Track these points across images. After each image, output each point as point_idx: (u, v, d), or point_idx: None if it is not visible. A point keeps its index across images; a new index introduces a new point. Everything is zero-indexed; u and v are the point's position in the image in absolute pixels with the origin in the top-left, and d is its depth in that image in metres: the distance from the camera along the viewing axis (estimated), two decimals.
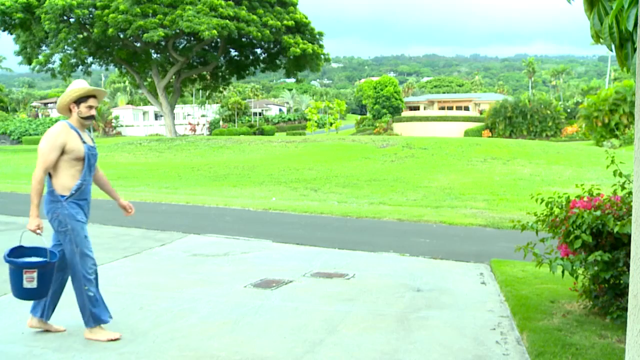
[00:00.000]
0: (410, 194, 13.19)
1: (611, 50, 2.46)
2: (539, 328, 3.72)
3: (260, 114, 70.92)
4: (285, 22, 34.47)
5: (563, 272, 3.69)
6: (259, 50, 39.07)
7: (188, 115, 68.87)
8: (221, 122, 63.80)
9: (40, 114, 70.44)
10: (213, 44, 37.39)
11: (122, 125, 64.47)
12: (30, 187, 3.53)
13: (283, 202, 11.56)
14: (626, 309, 2.75)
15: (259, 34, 33.21)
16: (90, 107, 3.69)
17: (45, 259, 3.47)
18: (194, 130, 60.20)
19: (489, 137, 43.95)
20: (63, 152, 3.57)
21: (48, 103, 76.59)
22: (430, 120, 54.22)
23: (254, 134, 50.95)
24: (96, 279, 3.68)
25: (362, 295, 4.74)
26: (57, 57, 34.46)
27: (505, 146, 23.00)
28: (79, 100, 3.66)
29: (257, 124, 61.64)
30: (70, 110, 3.68)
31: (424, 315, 4.21)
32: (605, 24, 2.33)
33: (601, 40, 2.57)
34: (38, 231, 3.52)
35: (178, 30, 33.04)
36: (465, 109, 62.75)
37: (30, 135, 56.60)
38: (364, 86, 76.90)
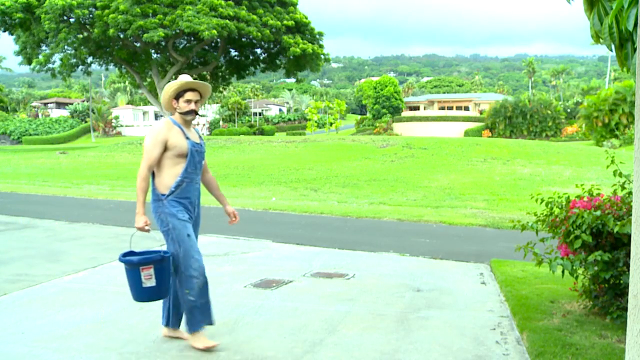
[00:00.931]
0: (410, 194, 13.19)
1: (611, 50, 2.46)
2: (539, 328, 3.72)
3: (260, 114, 70.93)
4: (285, 22, 34.47)
5: (563, 272, 3.69)
6: (259, 50, 39.08)
7: None
8: (221, 122, 63.80)
9: (40, 114, 70.41)
10: (213, 44, 37.41)
11: (122, 125, 64.47)
12: (136, 185, 3.45)
13: (283, 202, 11.56)
14: (626, 309, 2.75)
15: (259, 34, 33.22)
16: (189, 101, 3.50)
17: (159, 254, 3.34)
18: None
19: (489, 137, 43.96)
20: (166, 148, 3.44)
21: (48, 103, 76.60)
22: (430, 120, 54.22)
23: (254, 134, 50.98)
24: (203, 282, 3.42)
25: (362, 295, 4.74)
26: (57, 57, 34.48)
27: (505, 146, 23.01)
28: (177, 96, 3.52)
29: (257, 124, 61.67)
30: (174, 108, 3.55)
31: (424, 315, 4.21)
32: (605, 24, 2.33)
33: (601, 40, 2.57)
34: (146, 227, 3.37)
35: (178, 30, 33.04)
36: (465, 109, 62.74)
37: (30, 135, 56.66)
38: (364, 86, 76.93)
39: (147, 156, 3.43)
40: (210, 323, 3.50)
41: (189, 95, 3.50)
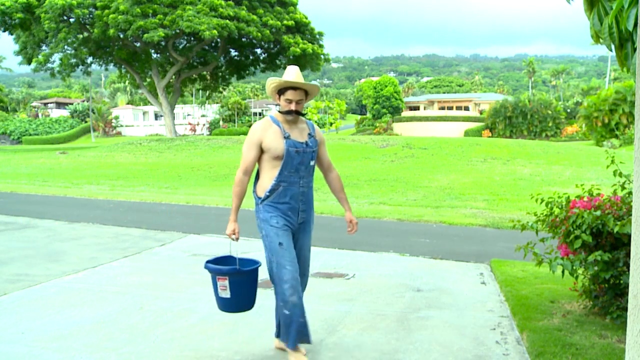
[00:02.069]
0: (410, 194, 13.19)
1: (611, 50, 2.46)
2: (539, 328, 3.72)
3: (260, 114, 70.89)
4: (285, 22, 34.50)
5: (563, 272, 3.69)
6: (259, 50, 39.11)
7: (188, 115, 68.90)
8: (221, 122, 63.81)
9: (40, 114, 70.43)
10: (213, 44, 37.42)
11: (122, 125, 64.52)
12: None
13: None
14: (626, 309, 2.75)
15: (259, 34, 33.24)
16: (289, 101, 3.19)
17: (234, 267, 3.22)
18: (194, 130, 60.21)
19: (489, 137, 43.96)
20: (263, 150, 3.22)
21: (48, 103, 76.63)
22: (430, 120, 54.23)
23: None
24: (296, 295, 3.14)
25: (362, 295, 4.74)
26: (56, 57, 34.50)
27: (505, 146, 23.00)
28: (279, 92, 3.23)
29: None
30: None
31: (424, 315, 4.21)
32: (605, 24, 2.33)
33: (601, 40, 2.57)
34: (233, 236, 3.23)
35: (178, 30, 33.07)
36: (465, 109, 62.76)
37: (30, 135, 56.68)
38: (364, 86, 76.94)
39: (243, 159, 3.24)
40: (308, 341, 3.20)
41: (289, 95, 3.19)
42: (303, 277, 3.39)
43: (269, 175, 3.22)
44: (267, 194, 3.21)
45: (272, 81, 3.22)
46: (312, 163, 3.28)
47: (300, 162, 3.22)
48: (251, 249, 6.81)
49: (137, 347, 3.51)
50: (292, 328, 3.13)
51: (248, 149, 3.23)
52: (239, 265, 3.28)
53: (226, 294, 3.16)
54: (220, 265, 3.27)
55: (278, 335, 3.40)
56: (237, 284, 3.17)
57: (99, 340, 3.60)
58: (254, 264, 3.31)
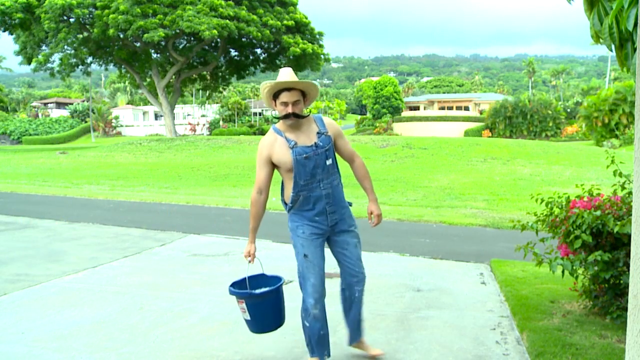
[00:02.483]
0: (410, 194, 13.19)
1: (611, 50, 2.45)
2: (539, 328, 3.72)
3: (260, 114, 70.89)
4: (285, 22, 34.50)
5: (563, 272, 3.69)
6: (259, 50, 39.12)
7: (188, 115, 68.90)
8: (221, 122, 63.80)
9: (40, 114, 70.42)
10: (213, 44, 37.43)
11: (122, 125, 64.51)
12: None
13: None
14: (626, 309, 2.75)
15: (259, 34, 33.24)
16: (285, 103, 2.99)
17: (248, 291, 3.18)
18: (194, 130, 60.21)
19: (489, 137, 43.97)
20: (275, 164, 3.09)
21: (48, 103, 76.62)
22: (430, 120, 54.24)
23: (254, 134, 50.95)
24: (319, 309, 3.08)
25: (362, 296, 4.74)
26: (56, 57, 34.51)
27: (505, 146, 23.00)
28: (275, 98, 3.04)
29: (257, 124, 61.63)
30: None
31: (424, 315, 4.21)
32: (605, 24, 2.33)
33: (601, 40, 2.57)
34: (248, 258, 3.14)
35: (178, 30, 33.07)
36: (465, 109, 62.76)
37: (30, 135, 56.68)
38: (364, 86, 76.92)
39: (256, 178, 3.13)
40: (328, 354, 3.19)
41: (284, 97, 2.99)
42: (354, 278, 3.27)
43: (289, 186, 3.12)
44: (290, 205, 3.12)
45: (265, 85, 3.05)
46: (328, 162, 3.08)
47: (315, 165, 3.03)
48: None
49: (137, 347, 3.51)
50: (313, 340, 3.12)
51: (259, 167, 3.11)
52: (261, 284, 3.27)
53: (246, 316, 3.15)
54: (250, 286, 3.26)
55: (350, 341, 3.37)
56: (255, 307, 3.12)
57: (99, 340, 3.60)
58: (277, 281, 3.26)
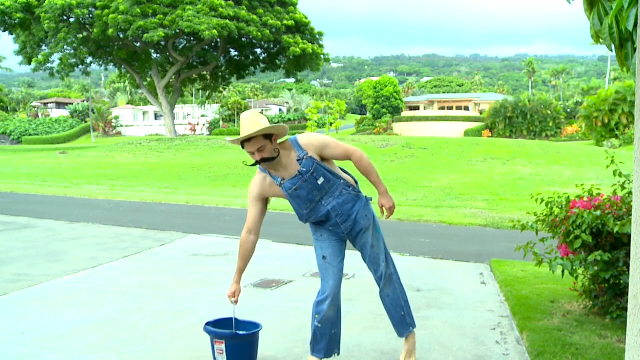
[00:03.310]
0: (410, 194, 13.19)
1: (611, 50, 2.45)
2: (539, 328, 3.72)
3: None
4: (285, 22, 34.51)
5: (563, 272, 3.69)
6: (259, 50, 39.12)
7: (188, 115, 68.90)
8: (221, 122, 63.81)
9: (40, 114, 70.44)
10: (213, 44, 37.43)
11: (122, 125, 64.51)
12: None
13: (283, 202, 11.54)
14: (626, 309, 2.75)
15: (259, 34, 33.25)
16: (251, 153, 2.87)
17: (231, 331, 3.12)
18: (194, 130, 60.21)
19: (489, 137, 43.95)
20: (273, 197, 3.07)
21: (48, 103, 76.64)
22: (430, 120, 54.23)
23: None
24: (334, 310, 3.04)
25: (362, 295, 4.74)
26: (56, 57, 34.51)
27: (505, 146, 23.00)
28: (243, 147, 2.93)
29: None
30: None
31: (424, 315, 4.21)
32: (605, 24, 2.32)
33: (601, 40, 2.57)
34: (232, 299, 3.10)
35: (178, 30, 33.09)
36: (465, 109, 62.75)
37: (30, 135, 56.67)
38: (364, 86, 76.95)
39: (247, 216, 3.05)
40: (338, 352, 3.14)
41: (247, 148, 2.86)
42: (375, 275, 3.22)
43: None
44: (304, 223, 3.15)
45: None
46: (320, 182, 2.97)
47: (309, 192, 2.97)
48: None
49: (137, 347, 3.51)
50: (324, 339, 3.06)
51: (250, 205, 3.05)
52: (236, 328, 3.19)
53: (222, 357, 3.04)
54: (220, 327, 3.17)
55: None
56: (234, 349, 3.05)
57: (99, 340, 3.60)
58: (254, 327, 3.20)
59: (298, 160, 2.95)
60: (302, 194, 2.97)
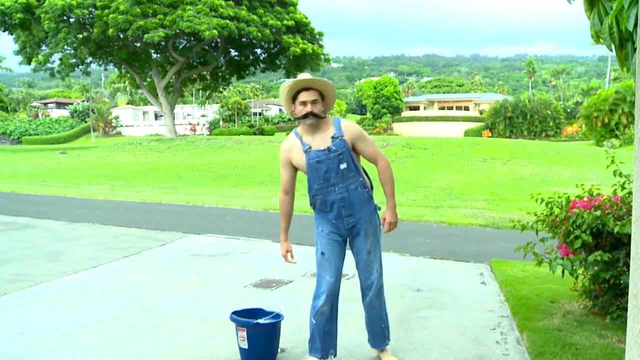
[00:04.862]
0: (410, 194, 13.19)
1: (611, 50, 2.45)
2: (539, 328, 3.72)
3: (260, 114, 70.89)
4: (285, 22, 34.51)
5: (563, 272, 3.69)
6: (259, 50, 39.13)
7: (188, 115, 68.88)
8: (221, 122, 63.79)
9: (40, 114, 70.41)
10: (213, 44, 37.44)
11: (122, 125, 64.49)
12: None
13: None
14: (626, 309, 2.75)
15: (259, 34, 33.25)
16: (304, 103, 3.00)
17: (253, 320, 3.24)
18: (194, 130, 60.20)
19: (489, 137, 43.95)
20: (296, 167, 3.15)
21: (48, 103, 76.61)
22: (430, 120, 54.21)
23: (254, 134, 50.94)
24: (328, 306, 3.08)
25: None
26: (56, 57, 34.51)
27: (505, 146, 23.00)
28: (293, 99, 3.05)
29: (257, 124, 61.62)
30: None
31: (424, 315, 4.21)
32: (605, 24, 2.33)
33: (601, 40, 2.57)
34: (288, 256, 3.22)
35: (178, 30, 33.08)
36: (465, 109, 62.73)
37: (30, 135, 56.67)
38: (364, 86, 76.91)
39: (280, 179, 3.23)
40: (333, 354, 3.18)
41: (302, 97, 3.00)
42: (362, 283, 3.22)
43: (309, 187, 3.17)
44: (311, 206, 3.19)
45: (285, 85, 3.04)
46: (342, 167, 3.03)
47: (327, 170, 3.03)
48: (251, 248, 6.81)
49: (137, 347, 3.51)
50: (318, 336, 3.12)
51: (281, 169, 3.21)
52: (261, 317, 3.35)
53: (244, 344, 3.22)
54: (247, 316, 3.34)
55: (372, 346, 3.37)
56: (255, 337, 3.22)
57: (99, 340, 3.60)
58: (277, 318, 3.33)
59: (332, 138, 3.06)
60: (321, 168, 3.05)
